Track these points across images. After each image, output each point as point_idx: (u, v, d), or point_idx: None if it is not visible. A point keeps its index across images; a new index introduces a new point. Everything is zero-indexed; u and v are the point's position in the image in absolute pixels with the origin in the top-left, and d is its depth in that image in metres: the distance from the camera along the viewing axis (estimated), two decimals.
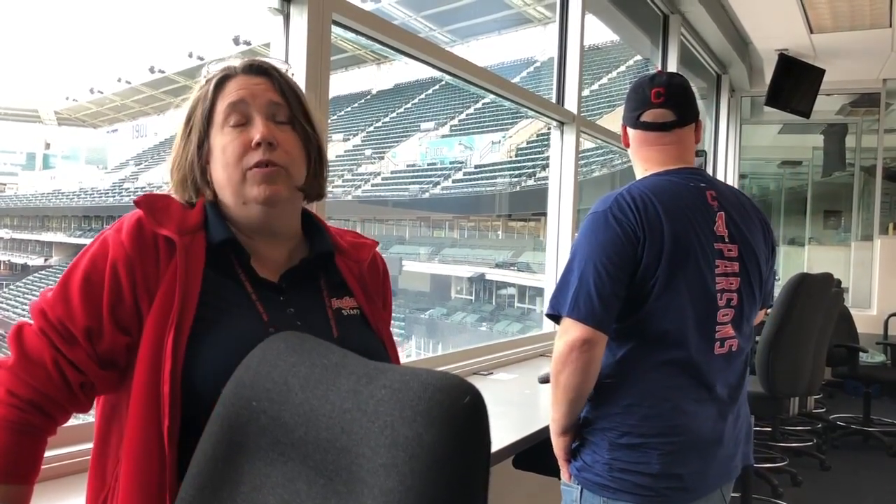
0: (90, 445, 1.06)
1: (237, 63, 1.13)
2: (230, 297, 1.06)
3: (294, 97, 1.13)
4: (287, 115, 1.11)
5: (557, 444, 1.70)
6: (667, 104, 1.75)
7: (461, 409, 0.62)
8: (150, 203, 1.06)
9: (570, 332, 1.57)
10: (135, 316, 1.01)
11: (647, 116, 1.78)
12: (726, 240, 1.68)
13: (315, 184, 1.16)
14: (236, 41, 31.51)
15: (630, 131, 1.82)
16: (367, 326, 1.17)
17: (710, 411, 1.66)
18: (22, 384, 0.97)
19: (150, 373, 0.96)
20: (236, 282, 1.08)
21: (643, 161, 1.80)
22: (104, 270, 1.01)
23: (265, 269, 1.11)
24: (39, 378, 0.98)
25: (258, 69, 1.13)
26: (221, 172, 1.09)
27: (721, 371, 1.68)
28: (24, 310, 26.42)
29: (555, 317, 1.63)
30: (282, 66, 1.16)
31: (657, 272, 1.58)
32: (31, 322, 1.02)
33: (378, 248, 1.29)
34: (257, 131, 1.07)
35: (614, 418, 1.62)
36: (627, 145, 1.85)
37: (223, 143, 1.08)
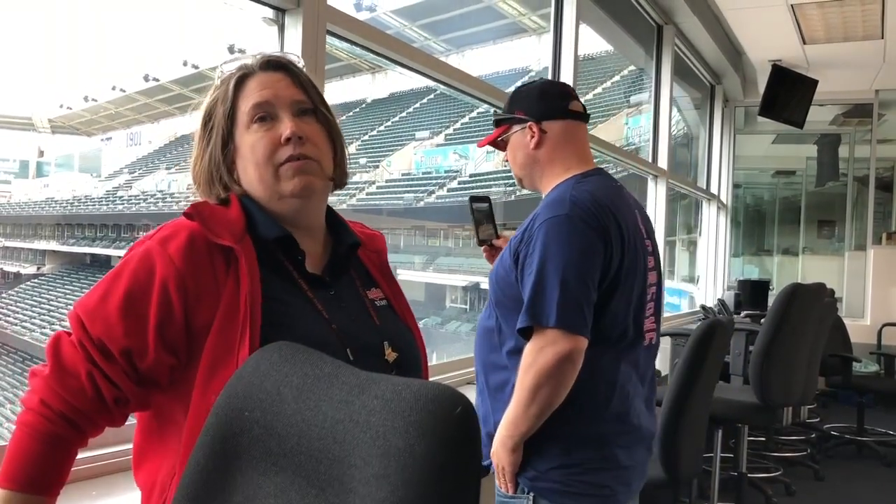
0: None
1: (252, 61, 1.12)
2: (290, 298, 1.05)
3: (313, 88, 1.13)
4: (309, 107, 1.11)
5: (511, 460, 1.57)
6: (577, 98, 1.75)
7: (452, 419, 0.62)
8: (200, 212, 1.02)
9: (557, 343, 1.49)
10: (184, 337, 0.98)
11: (577, 106, 1.72)
12: (646, 236, 1.70)
13: (340, 172, 1.17)
14: (231, 50, 31.52)
15: (552, 125, 1.70)
16: (396, 315, 1.19)
17: (643, 405, 1.67)
18: (55, 395, 0.96)
19: (221, 385, 0.84)
20: (290, 280, 1.07)
21: (564, 160, 1.70)
22: (151, 289, 0.98)
23: (310, 263, 1.10)
24: (72, 390, 0.96)
25: (276, 65, 1.12)
26: (252, 171, 1.08)
27: (647, 365, 1.69)
28: (16, 318, 26.30)
29: (529, 329, 1.53)
30: (296, 61, 1.16)
31: (620, 274, 1.58)
32: (70, 331, 1.00)
33: None
34: (286, 128, 1.06)
35: (576, 420, 1.57)
36: (537, 146, 1.71)
37: (251, 141, 1.07)
